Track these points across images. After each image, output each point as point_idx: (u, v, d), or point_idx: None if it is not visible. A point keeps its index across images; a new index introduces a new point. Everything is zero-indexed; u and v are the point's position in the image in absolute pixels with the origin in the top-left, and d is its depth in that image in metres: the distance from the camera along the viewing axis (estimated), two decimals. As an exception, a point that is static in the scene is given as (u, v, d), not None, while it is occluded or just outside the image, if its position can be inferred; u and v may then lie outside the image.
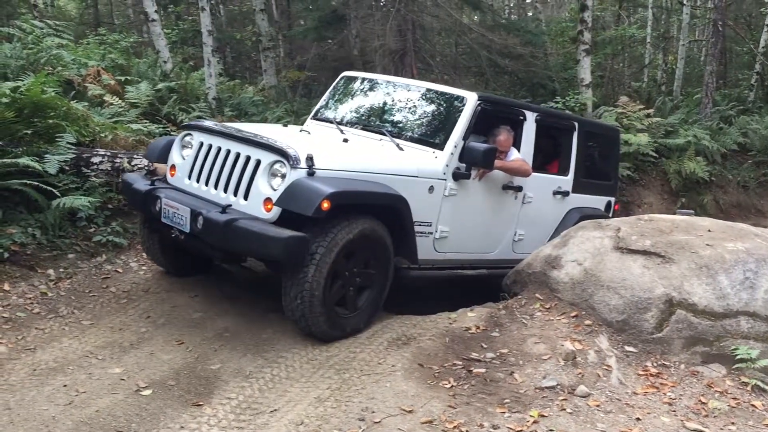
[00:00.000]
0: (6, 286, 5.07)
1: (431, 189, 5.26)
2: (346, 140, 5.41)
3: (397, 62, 12.45)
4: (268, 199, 4.54)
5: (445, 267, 5.69)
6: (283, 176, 4.53)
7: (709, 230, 5.43)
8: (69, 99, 7.06)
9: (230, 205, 4.62)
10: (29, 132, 6.00)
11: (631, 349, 4.71)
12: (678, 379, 4.48)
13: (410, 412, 3.82)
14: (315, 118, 6.35)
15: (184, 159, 5.19)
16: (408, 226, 5.05)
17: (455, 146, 5.41)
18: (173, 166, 5.25)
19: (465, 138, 5.47)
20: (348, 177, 4.70)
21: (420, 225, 5.21)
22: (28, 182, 5.56)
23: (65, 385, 4.01)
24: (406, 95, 6.15)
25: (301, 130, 5.74)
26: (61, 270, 5.51)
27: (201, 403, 3.90)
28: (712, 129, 12.62)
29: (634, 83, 17.26)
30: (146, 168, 6.35)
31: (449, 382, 4.19)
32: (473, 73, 15.12)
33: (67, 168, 6.07)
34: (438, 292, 6.08)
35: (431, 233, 5.38)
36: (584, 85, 12.17)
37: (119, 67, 9.74)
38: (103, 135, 6.80)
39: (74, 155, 6.17)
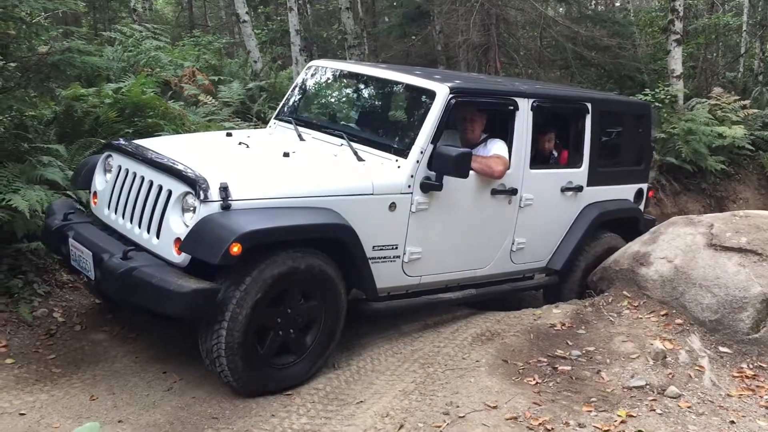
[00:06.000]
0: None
1: (392, 206, 4.39)
2: (286, 154, 4.42)
3: (480, 57, 12.42)
4: (178, 239, 3.77)
5: (422, 292, 4.86)
6: (195, 210, 3.76)
7: (810, 228, 5.19)
8: (166, 99, 7.38)
9: (135, 248, 3.90)
10: (130, 131, 6.31)
11: (725, 349, 4.57)
12: (775, 382, 4.32)
13: (494, 407, 3.83)
14: (277, 117, 5.50)
15: (106, 184, 4.46)
16: (358, 258, 4.20)
17: (422, 152, 4.47)
18: (95, 193, 4.54)
19: (435, 141, 4.51)
20: (276, 206, 3.87)
21: (382, 249, 4.40)
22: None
23: (164, 372, 4.20)
24: (375, 89, 5.37)
25: (240, 142, 4.68)
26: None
27: (290, 393, 4.01)
28: (813, 120, 12.00)
29: (728, 73, 16.52)
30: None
31: (534, 379, 4.18)
32: (558, 66, 14.85)
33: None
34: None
35: (398, 257, 4.51)
36: (675, 76, 11.76)
37: (212, 67, 10.14)
38: (197, 133, 7.07)
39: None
